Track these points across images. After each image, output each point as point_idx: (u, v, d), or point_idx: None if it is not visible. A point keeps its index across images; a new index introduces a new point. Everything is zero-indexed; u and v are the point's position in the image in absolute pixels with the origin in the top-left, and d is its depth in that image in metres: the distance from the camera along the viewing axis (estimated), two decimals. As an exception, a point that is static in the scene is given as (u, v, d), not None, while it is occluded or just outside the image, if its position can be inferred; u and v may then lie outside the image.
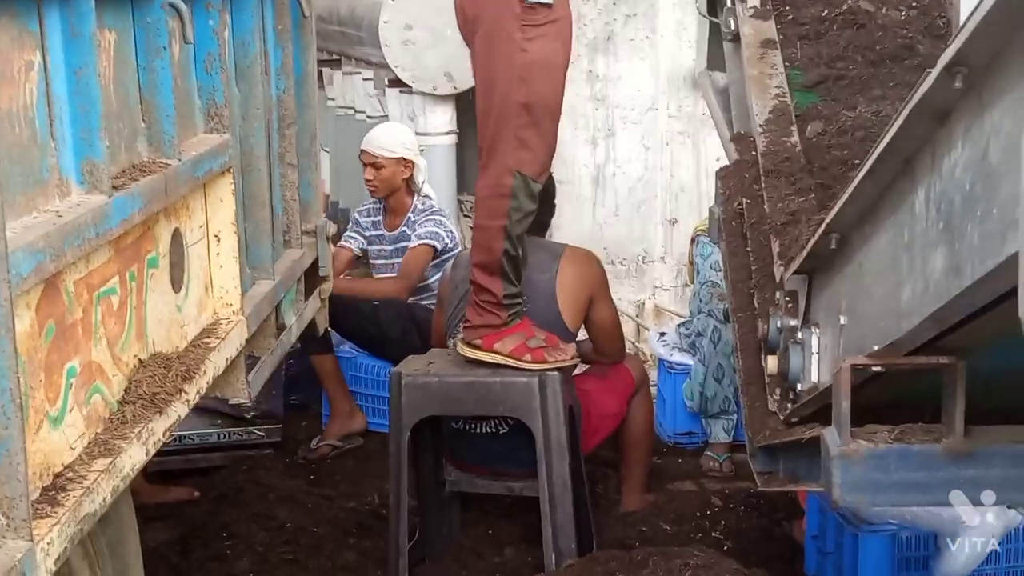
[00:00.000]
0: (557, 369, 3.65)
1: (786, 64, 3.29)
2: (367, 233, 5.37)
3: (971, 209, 1.42)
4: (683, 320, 5.52)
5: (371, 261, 5.43)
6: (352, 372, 5.41)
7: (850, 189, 1.92)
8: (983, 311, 1.47)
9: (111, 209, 1.89)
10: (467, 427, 3.93)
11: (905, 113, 1.59)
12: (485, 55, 3.61)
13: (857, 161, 2.86)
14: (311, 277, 3.52)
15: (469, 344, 3.72)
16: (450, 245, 5.22)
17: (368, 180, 5.24)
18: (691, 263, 5.29)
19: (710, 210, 3.43)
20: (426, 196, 5.33)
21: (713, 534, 4.09)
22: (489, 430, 3.91)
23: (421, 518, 4.00)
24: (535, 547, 3.80)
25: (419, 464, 3.92)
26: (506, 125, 3.57)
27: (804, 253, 2.35)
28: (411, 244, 5.17)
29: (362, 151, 5.26)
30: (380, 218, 5.35)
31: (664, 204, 6.46)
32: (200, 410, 4.82)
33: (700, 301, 5.06)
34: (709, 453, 4.97)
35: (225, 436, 5.00)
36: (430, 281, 5.23)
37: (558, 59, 3.62)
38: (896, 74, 3.20)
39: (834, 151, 2.92)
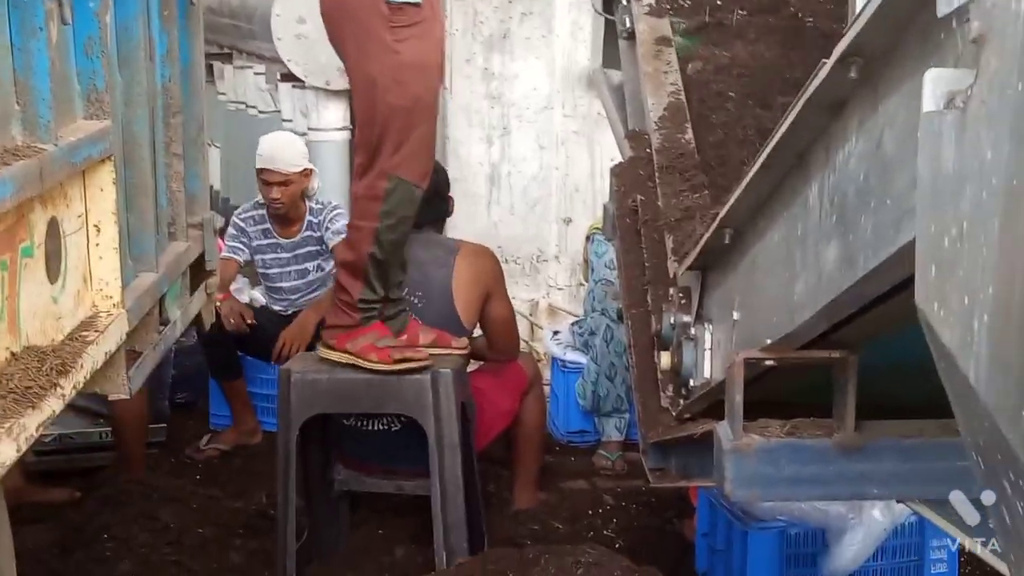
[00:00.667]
0: (406, 371, 3.60)
1: (670, 12, 3.39)
2: (255, 243, 5.21)
3: (865, 201, 1.41)
4: (576, 319, 5.52)
5: (262, 271, 5.30)
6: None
7: (744, 184, 1.90)
8: (876, 303, 1.47)
9: (-20, 193, 1.80)
10: (359, 424, 3.88)
11: (799, 106, 1.57)
12: (357, 59, 3.58)
13: (732, 94, 3.08)
14: (197, 271, 3.42)
15: (324, 344, 3.73)
16: None
17: (275, 199, 5.00)
18: (585, 261, 5.29)
19: (604, 207, 3.43)
20: (317, 198, 5.22)
21: (605, 532, 4.09)
22: (381, 427, 3.86)
23: (310, 518, 3.93)
24: (426, 546, 3.76)
25: (308, 463, 3.85)
26: (384, 129, 3.55)
27: (698, 249, 2.33)
28: (333, 242, 4.98)
29: (264, 170, 4.99)
30: (268, 226, 5.19)
31: (559, 203, 6.45)
32: (83, 411, 4.70)
33: (594, 299, 5.06)
34: (602, 452, 4.97)
35: (108, 436, 4.87)
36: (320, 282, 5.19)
37: (431, 58, 3.58)
38: (771, 22, 3.32)
39: (712, 86, 3.07)
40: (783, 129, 1.65)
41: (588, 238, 5.24)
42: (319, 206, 5.15)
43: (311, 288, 5.22)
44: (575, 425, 5.21)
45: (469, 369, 4.03)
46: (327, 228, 5.09)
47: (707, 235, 2.26)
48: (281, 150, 5.04)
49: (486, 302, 4.03)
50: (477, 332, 4.12)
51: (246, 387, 5.23)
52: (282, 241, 5.18)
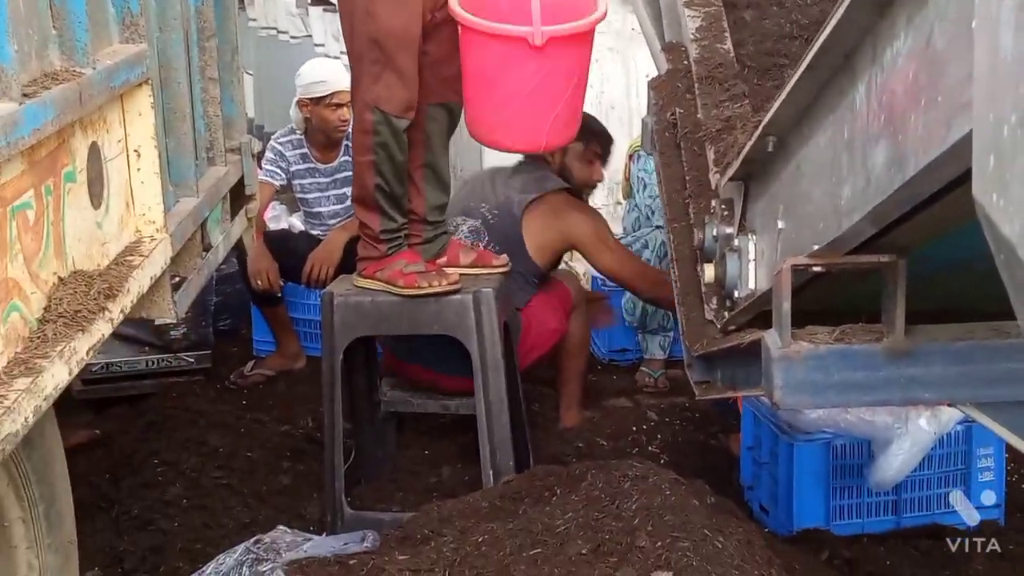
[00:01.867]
0: (434, 294, 3.62)
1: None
2: (293, 168, 5.22)
3: (915, 99, 1.38)
4: (618, 238, 5.49)
5: (301, 196, 5.31)
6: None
7: (787, 89, 1.88)
8: (926, 204, 1.45)
9: (22, 117, 1.80)
10: None
11: (845, 4, 1.54)
12: None
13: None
14: (237, 196, 3.43)
15: (358, 274, 3.78)
16: None
17: (345, 120, 4.97)
18: (627, 179, 5.25)
19: (643, 121, 3.39)
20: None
21: (650, 448, 4.10)
22: None
23: (356, 440, 3.97)
24: (472, 465, 3.78)
25: (353, 385, 3.87)
26: (361, 61, 3.56)
27: (740, 158, 2.31)
28: None
29: (336, 93, 4.97)
30: (307, 151, 5.19)
31: (595, 122, 6.39)
32: (128, 339, 4.74)
33: (650, 214, 5.02)
34: (644, 369, 4.98)
35: (154, 363, 4.92)
36: None
37: None
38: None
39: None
40: (828, 30, 1.62)
41: (631, 156, 5.19)
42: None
43: (350, 213, 5.22)
44: (617, 343, 5.21)
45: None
46: None
47: (749, 144, 2.23)
48: (340, 72, 5.05)
49: (582, 254, 4.23)
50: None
51: (288, 313, 5.26)
52: (321, 166, 5.18)
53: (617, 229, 5.85)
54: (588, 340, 4.47)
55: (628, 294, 5.05)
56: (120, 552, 3.72)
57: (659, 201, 4.97)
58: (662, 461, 3.85)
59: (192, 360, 4.99)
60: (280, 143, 5.21)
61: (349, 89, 4.93)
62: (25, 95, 1.86)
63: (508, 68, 3.54)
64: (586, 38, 3.62)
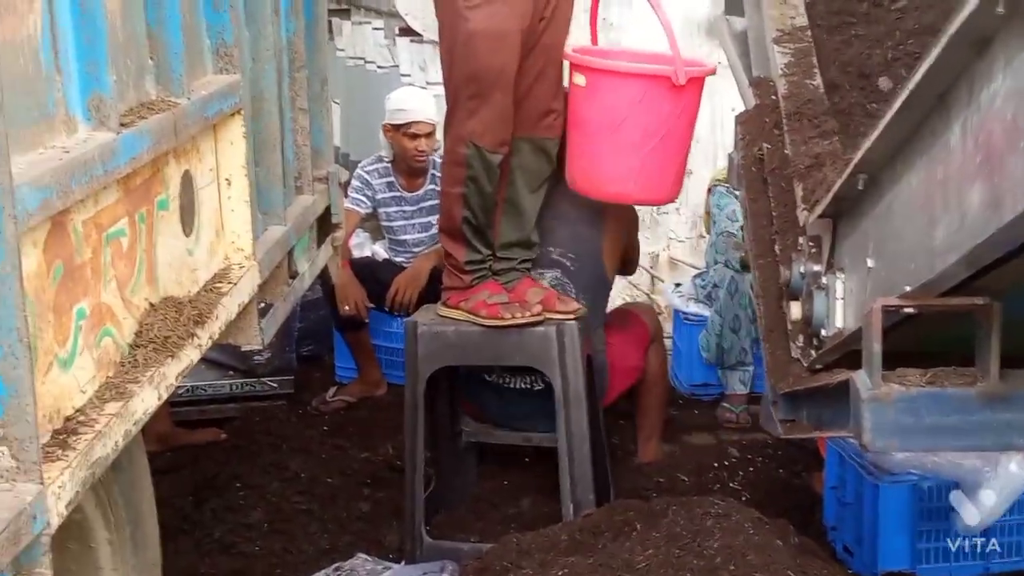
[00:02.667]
0: (517, 326, 3.60)
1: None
2: (379, 196, 5.26)
3: (1013, 140, 1.36)
4: (699, 271, 5.47)
5: (386, 224, 5.35)
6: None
7: (880, 127, 1.85)
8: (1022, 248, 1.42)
9: (119, 146, 1.84)
10: (501, 380, 3.88)
11: (942, 44, 1.52)
12: (439, 24, 3.64)
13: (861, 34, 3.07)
14: (323, 224, 3.46)
15: (443, 304, 3.80)
16: None
17: (422, 151, 5.05)
18: (707, 213, 5.23)
19: (729, 156, 3.37)
20: (438, 150, 5.25)
21: (731, 485, 4.05)
22: (524, 385, 3.86)
23: (436, 469, 3.97)
24: (552, 497, 3.77)
25: (435, 414, 3.88)
26: (458, 95, 3.59)
27: (830, 196, 2.29)
28: None
29: (416, 123, 5.02)
30: (393, 179, 5.24)
31: (678, 155, 6.36)
32: (213, 363, 4.81)
33: (716, 252, 5.00)
34: (726, 405, 4.93)
35: (238, 387, 4.98)
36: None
37: (507, 26, 3.52)
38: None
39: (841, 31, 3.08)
40: (923, 69, 1.60)
41: (709, 190, 5.17)
42: (441, 160, 5.17)
43: (434, 241, 5.24)
44: (698, 378, 5.17)
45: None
46: None
47: (840, 181, 2.21)
48: (425, 102, 5.11)
49: (628, 238, 4.21)
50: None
51: (370, 339, 5.29)
52: (406, 195, 5.22)
53: (700, 262, 5.83)
54: (667, 374, 4.44)
55: (704, 331, 5.01)
56: (201, 574, 3.76)
57: (723, 238, 4.96)
58: (744, 499, 3.80)
59: (275, 385, 5.04)
60: (366, 171, 5.25)
61: (428, 120, 5.03)
62: (123, 125, 1.89)
63: (641, 111, 3.56)
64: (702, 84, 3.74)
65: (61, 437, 1.69)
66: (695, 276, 5.42)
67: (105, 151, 1.79)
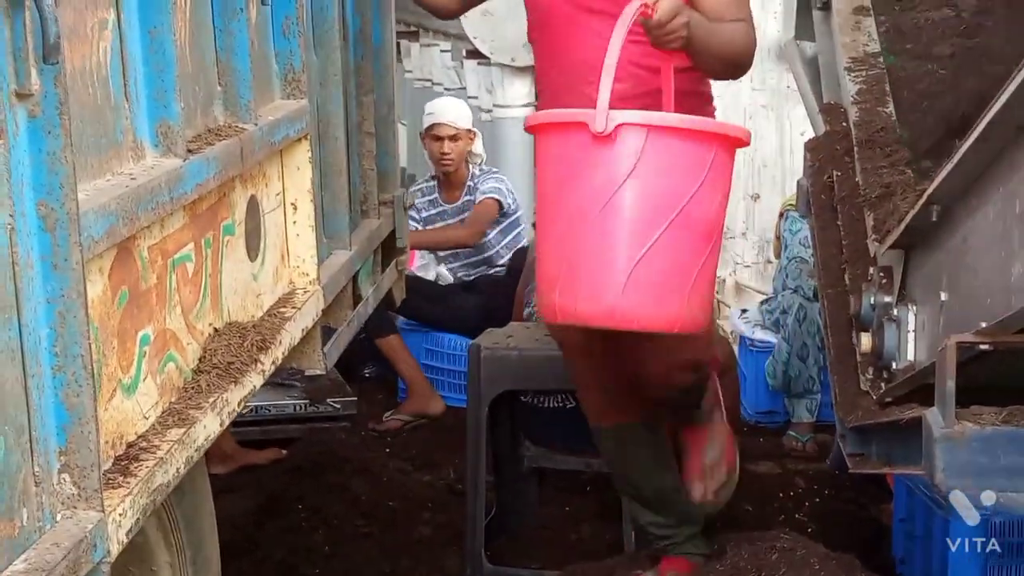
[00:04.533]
0: None
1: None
2: (424, 214, 5.36)
3: (1095, 176, 1.33)
4: (766, 297, 5.41)
5: None
6: (427, 346, 5.38)
7: (956, 158, 1.82)
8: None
9: (186, 172, 1.84)
10: (535, 401, 3.87)
11: (1021, 75, 1.49)
12: None
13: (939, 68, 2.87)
14: (388, 248, 3.46)
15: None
16: (512, 206, 5.33)
17: (445, 154, 5.22)
18: (778, 238, 5.17)
19: (798, 183, 3.32)
20: (480, 163, 5.34)
21: (797, 516, 3.99)
22: (556, 404, 3.84)
23: (498, 494, 3.94)
24: (613, 524, 3.73)
25: (496, 438, 3.85)
26: None
27: (902, 226, 2.25)
28: (479, 199, 5.23)
29: (435, 125, 5.24)
30: (436, 196, 5.35)
31: (747, 179, 6.32)
32: (277, 384, 4.83)
33: (786, 277, 4.94)
34: (792, 433, 4.86)
35: (301, 408, 4.99)
36: (492, 252, 5.26)
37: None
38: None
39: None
40: (1002, 100, 1.56)
41: (781, 215, 5.11)
42: (480, 172, 5.27)
43: (480, 253, 5.30)
44: (764, 405, 5.10)
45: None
46: (479, 186, 5.26)
47: (913, 212, 2.17)
48: (449, 106, 5.31)
49: None
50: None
51: (404, 344, 5.24)
52: (447, 207, 5.31)
53: (767, 288, 5.77)
54: (737, 404, 4.36)
55: (771, 358, 4.94)
56: (262, 597, 3.76)
57: (794, 264, 4.90)
58: (809, 530, 3.74)
59: (339, 407, 5.05)
60: (412, 192, 5.31)
61: (450, 123, 5.16)
62: (189, 151, 1.90)
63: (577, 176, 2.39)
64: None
65: (123, 464, 1.69)
66: (762, 302, 5.36)
67: (172, 177, 1.79)
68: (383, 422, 5.18)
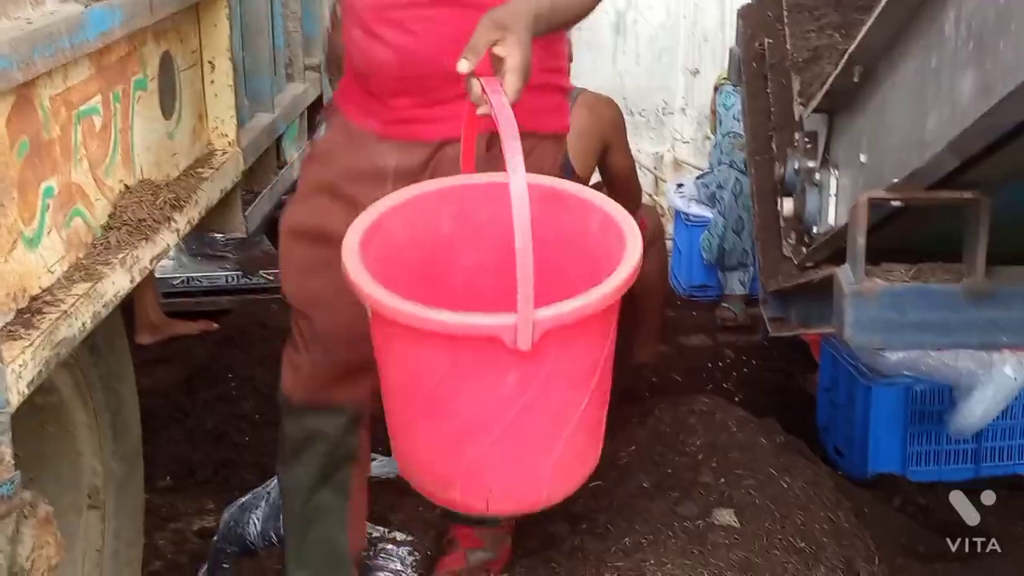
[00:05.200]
0: None
1: None
2: None
3: (1005, 24, 1.31)
4: (702, 172, 5.40)
5: None
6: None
7: (875, 14, 1.79)
8: (1011, 137, 1.38)
9: (88, 20, 1.78)
10: None
11: (939, -77, 1.46)
12: None
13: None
14: (314, 114, 3.40)
15: None
16: None
17: None
18: (713, 113, 5.15)
19: (730, 51, 3.30)
20: None
21: (725, 386, 4.03)
22: None
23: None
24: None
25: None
26: None
27: (825, 88, 2.23)
28: None
29: None
30: None
31: (686, 53, 6.28)
32: (210, 256, 4.79)
33: (721, 152, 4.93)
34: (725, 305, 4.90)
35: (233, 279, 4.95)
36: None
37: None
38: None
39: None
40: (920, -49, 1.54)
41: (716, 89, 5.08)
42: None
43: None
44: (698, 279, 5.13)
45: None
46: None
47: (835, 73, 2.15)
48: None
49: (605, 154, 3.94)
50: (595, 179, 4.04)
51: None
52: None
53: (704, 163, 5.76)
54: (666, 275, 4.39)
55: (706, 231, 4.96)
56: (192, 463, 3.76)
57: (728, 139, 4.89)
58: (737, 399, 3.79)
59: (271, 278, 5.01)
60: None
61: None
62: (93, -1, 1.84)
63: (469, 389, 1.76)
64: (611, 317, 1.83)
65: (25, 316, 1.66)
66: (698, 177, 5.36)
67: (72, 24, 1.74)
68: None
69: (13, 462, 1.54)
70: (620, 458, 2.46)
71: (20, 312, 1.67)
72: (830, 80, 2.20)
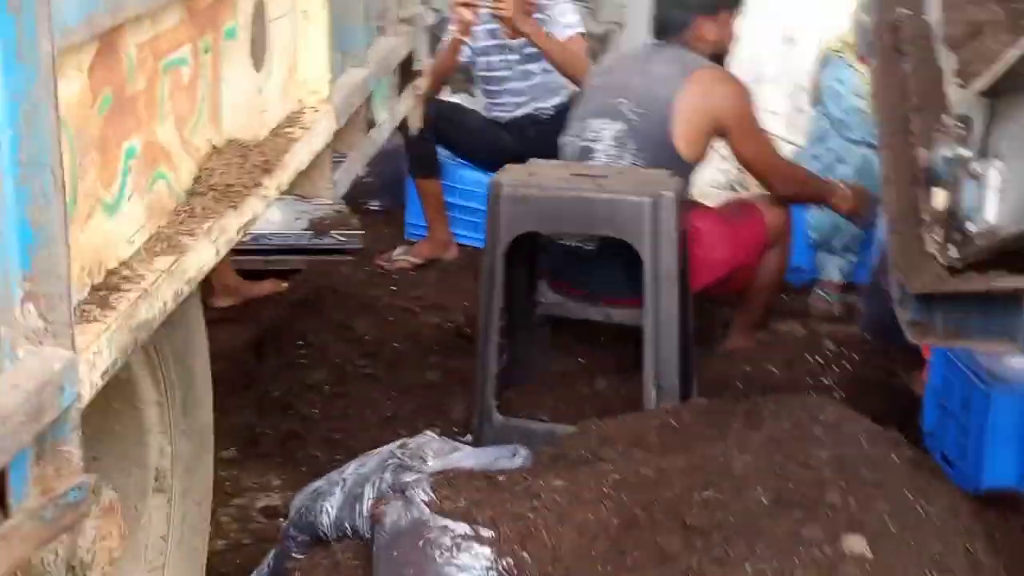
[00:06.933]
0: None
1: None
2: (480, 43, 4.96)
3: None
4: (800, 147, 5.11)
5: (485, 74, 5.05)
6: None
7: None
8: None
9: (181, -41, 1.57)
10: (559, 244, 3.64)
11: None
12: None
13: None
14: (405, 71, 3.19)
15: None
16: None
17: None
18: (815, 86, 4.85)
19: (856, 22, 3.03)
20: None
21: (823, 380, 3.78)
22: (575, 244, 3.60)
23: (509, 341, 3.72)
24: (630, 379, 3.52)
25: (511, 283, 3.60)
26: None
27: (998, 67, 1.97)
28: (561, 35, 4.78)
29: None
30: (496, 26, 4.91)
31: (781, 21, 5.97)
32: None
33: (833, 127, 4.62)
34: (820, 292, 4.64)
35: (304, 239, 4.77)
36: (545, 89, 4.95)
37: None
38: None
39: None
40: None
41: (822, 61, 4.78)
42: (546, 2, 4.88)
43: (534, 93, 4.98)
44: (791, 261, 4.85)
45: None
46: (557, 22, 4.83)
47: (1011, 52, 1.90)
48: None
49: (726, 138, 3.71)
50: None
51: (443, 196, 5.02)
52: (511, 42, 4.91)
53: (798, 138, 5.47)
54: (781, 279, 4.08)
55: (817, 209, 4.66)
56: (257, 434, 3.59)
57: (853, 115, 4.59)
58: (836, 397, 3.54)
59: (344, 240, 4.83)
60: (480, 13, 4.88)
61: None
62: (188, -64, 1.62)
63: None
64: None
65: (101, 294, 1.46)
66: (804, 150, 5.04)
67: (165, -37, 1.52)
68: (392, 261, 4.94)
69: (82, 464, 1.34)
70: (736, 468, 2.23)
71: (95, 288, 1.47)
72: (1004, 59, 1.95)
